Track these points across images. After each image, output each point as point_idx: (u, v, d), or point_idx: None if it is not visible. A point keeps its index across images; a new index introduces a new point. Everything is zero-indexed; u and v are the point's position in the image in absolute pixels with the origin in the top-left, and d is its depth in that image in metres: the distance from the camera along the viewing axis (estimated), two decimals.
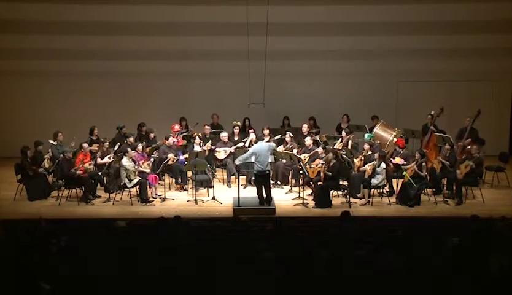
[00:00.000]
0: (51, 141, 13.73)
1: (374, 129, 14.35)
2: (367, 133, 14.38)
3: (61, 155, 13.31)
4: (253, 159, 12.44)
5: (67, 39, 15.78)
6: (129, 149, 12.91)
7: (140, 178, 12.76)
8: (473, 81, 16.24)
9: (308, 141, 13.82)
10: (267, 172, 12.44)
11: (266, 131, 14.29)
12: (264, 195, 12.43)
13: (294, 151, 13.65)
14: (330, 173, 12.56)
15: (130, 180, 12.71)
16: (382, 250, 7.95)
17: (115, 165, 13.28)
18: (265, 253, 7.86)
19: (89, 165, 12.98)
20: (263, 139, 13.06)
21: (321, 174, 12.74)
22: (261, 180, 12.46)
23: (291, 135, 14.19)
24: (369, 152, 13.12)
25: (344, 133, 14.32)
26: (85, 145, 13.21)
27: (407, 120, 15.21)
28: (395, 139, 13.79)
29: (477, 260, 7.82)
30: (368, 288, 7.13)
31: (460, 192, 12.80)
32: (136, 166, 12.80)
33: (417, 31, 15.91)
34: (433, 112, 14.31)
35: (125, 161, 12.74)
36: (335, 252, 7.79)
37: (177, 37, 15.97)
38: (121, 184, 12.80)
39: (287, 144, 14.04)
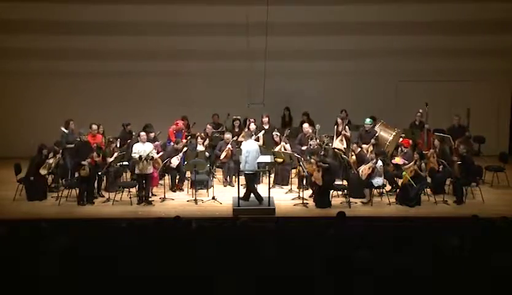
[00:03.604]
0: (63, 129, 13.72)
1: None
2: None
3: (69, 145, 13.38)
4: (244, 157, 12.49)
5: (70, 38, 15.81)
6: (142, 134, 12.89)
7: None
8: (473, 81, 16.25)
9: (306, 127, 13.94)
10: (255, 172, 12.49)
11: (266, 119, 14.36)
12: (252, 194, 12.53)
13: (288, 146, 13.70)
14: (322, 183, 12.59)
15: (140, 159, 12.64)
16: (382, 251, 7.94)
17: (115, 165, 13.27)
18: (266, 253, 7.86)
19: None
20: (251, 137, 13.06)
21: (315, 173, 12.68)
22: (252, 179, 12.50)
23: (278, 134, 14.16)
24: (359, 149, 13.16)
25: (339, 120, 14.28)
26: (94, 126, 13.40)
27: (407, 120, 15.19)
28: (400, 139, 13.84)
29: (478, 260, 7.82)
30: (368, 289, 7.12)
31: (460, 192, 12.82)
32: (154, 151, 12.75)
33: (417, 31, 15.93)
34: (421, 110, 14.35)
35: (139, 145, 12.73)
36: (335, 252, 7.78)
37: (177, 37, 15.98)
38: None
39: (277, 144, 14.00)
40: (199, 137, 14.06)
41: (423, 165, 12.59)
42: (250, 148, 12.49)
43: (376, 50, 16.09)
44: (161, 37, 15.98)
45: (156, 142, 13.59)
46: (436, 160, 12.93)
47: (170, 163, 13.38)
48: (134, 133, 14.12)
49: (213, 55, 16.07)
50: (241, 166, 12.54)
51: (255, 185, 12.61)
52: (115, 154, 13.17)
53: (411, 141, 13.62)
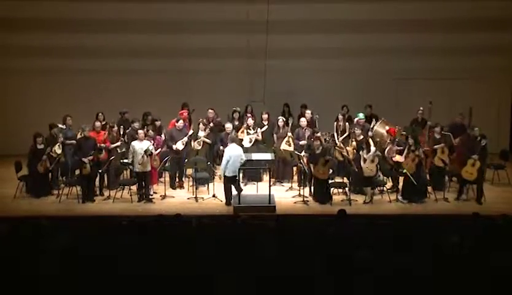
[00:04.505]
0: (60, 125, 13.75)
1: (375, 127, 14.37)
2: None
3: (68, 141, 13.36)
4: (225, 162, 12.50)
5: (72, 36, 15.85)
6: (140, 132, 12.84)
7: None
8: (473, 79, 16.23)
9: (303, 121, 13.96)
10: (236, 175, 12.54)
11: (265, 116, 14.41)
12: (235, 191, 12.57)
13: (288, 134, 13.73)
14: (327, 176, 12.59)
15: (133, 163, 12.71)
16: (382, 250, 7.94)
17: (115, 163, 13.28)
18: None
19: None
20: (233, 141, 12.88)
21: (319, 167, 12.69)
22: (231, 181, 12.53)
23: (284, 119, 14.16)
24: (361, 137, 13.17)
25: (340, 116, 14.31)
26: (97, 123, 13.39)
27: (407, 118, 15.16)
28: (387, 127, 13.85)
29: (478, 258, 7.82)
30: (368, 289, 7.13)
31: (461, 189, 12.87)
32: (151, 147, 12.69)
33: (416, 29, 15.93)
34: (422, 108, 14.36)
35: (136, 143, 12.70)
36: (335, 251, 7.78)
37: (178, 35, 16.01)
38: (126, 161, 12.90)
39: (279, 129, 14.00)
40: (201, 124, 14.04)
41: (420, 150, 12.63)
42: (232, 153, 12.47)
43: (376, 48, 16.09)
44: (162, 35, 16.00)
45: (159, 137, 13.59)
46: (447, 154, 13.05)
47: (175, 147, 13.39)
48: (131, 120, 14.09)
49: (214, 52, 16.06)
50: (221, 170, 12.60)
51: (238, 185, 12.62)
52: (118, 142, 13.30)
53: (396, 130, 13.62)
